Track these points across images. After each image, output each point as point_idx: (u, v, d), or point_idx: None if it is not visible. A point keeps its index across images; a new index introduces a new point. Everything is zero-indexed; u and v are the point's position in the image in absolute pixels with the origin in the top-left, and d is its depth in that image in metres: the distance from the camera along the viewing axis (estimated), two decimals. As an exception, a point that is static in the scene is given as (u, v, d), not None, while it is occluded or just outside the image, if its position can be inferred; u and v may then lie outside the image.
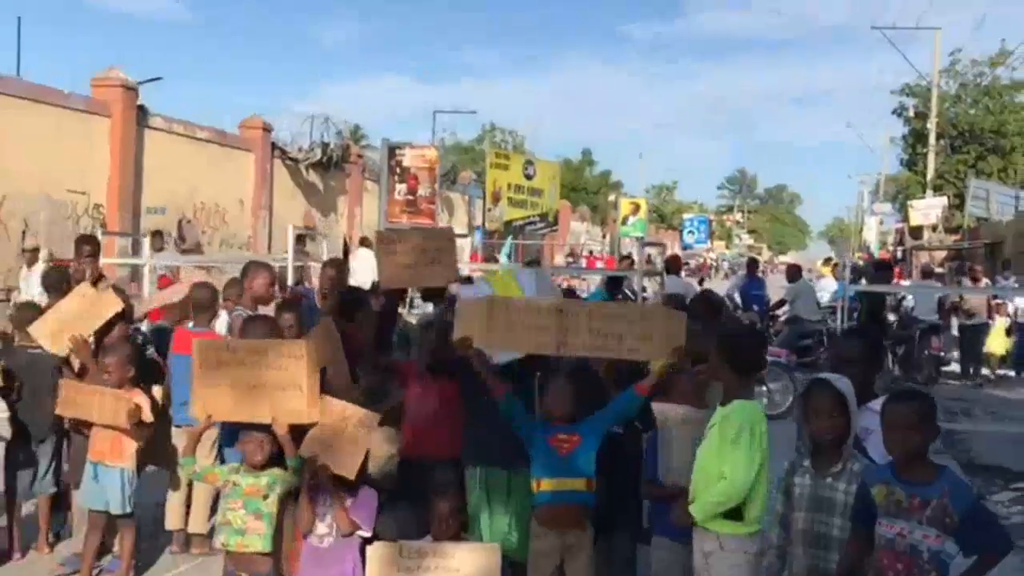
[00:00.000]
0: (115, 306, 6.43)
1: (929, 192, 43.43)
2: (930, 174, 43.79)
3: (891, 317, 16.55)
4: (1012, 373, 16.58)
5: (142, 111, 19.55)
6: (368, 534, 5.13)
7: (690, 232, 60.62)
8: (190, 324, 6.94)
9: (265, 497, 5.17)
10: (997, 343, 15.44)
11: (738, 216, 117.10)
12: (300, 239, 13.01)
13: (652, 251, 20.58)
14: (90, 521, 6.11)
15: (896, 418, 3.71)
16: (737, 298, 17.36)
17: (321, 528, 5.13)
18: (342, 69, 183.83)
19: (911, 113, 48.06)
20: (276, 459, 5.25)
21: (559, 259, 43.77)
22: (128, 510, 6.07)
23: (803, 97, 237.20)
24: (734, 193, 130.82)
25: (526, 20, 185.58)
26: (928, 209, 40.55)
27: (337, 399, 5.23)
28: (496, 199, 33.12)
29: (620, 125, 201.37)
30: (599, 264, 37.19)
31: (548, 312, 4.97)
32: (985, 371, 16.00)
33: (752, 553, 4.31)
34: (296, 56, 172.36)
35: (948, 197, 42.14)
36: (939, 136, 44.30)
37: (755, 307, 16.95)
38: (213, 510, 6.48)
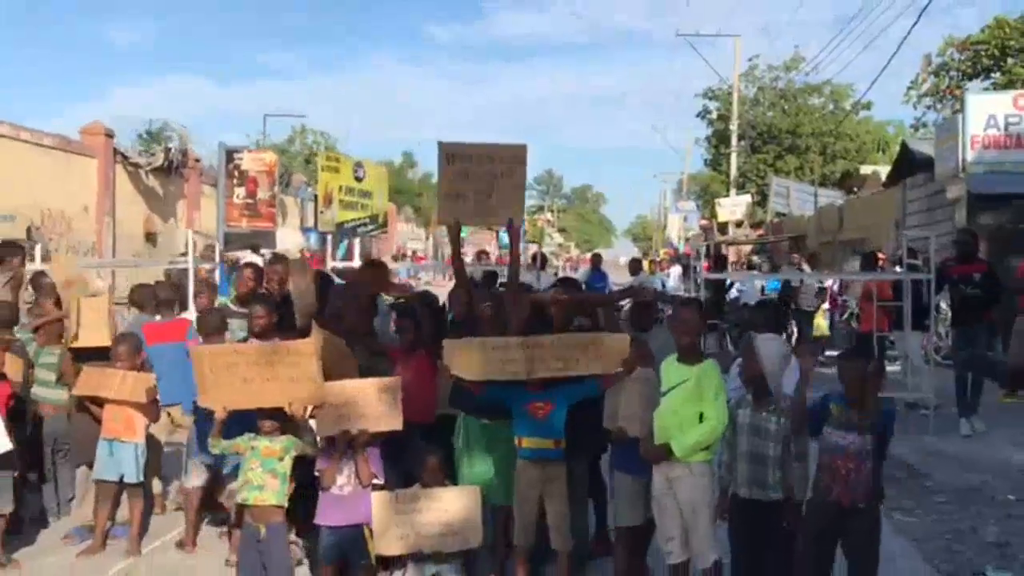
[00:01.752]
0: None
1: (732, 190, 46.39)
2: (733, 173, 46.73)
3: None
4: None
5: (-12, 118, 19.42)
6: (382, 482, 6.09)
7: (506, 232, 62.19)
8: (157, 317, 7.75)
9: (280, 459, 6.07)
10: (823, 324, 17.25)
11: (548, 216, 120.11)
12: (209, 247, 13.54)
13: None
14: (103, 493, 6.83)
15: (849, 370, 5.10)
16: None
17: (340, 479, 6.06)
18: (137, 72, 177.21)
19: (714, 116, 51.18)
20: (287, 428, 6.18)
21: (386, 260, 44.48)
22: (141, 479, 6.83)
23: (609, 100, 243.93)
24: (542, 193, 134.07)
25: (328, 20, 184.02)
26: (734, 206, 43.39)
27: (350, 380, 6.19)
28: (328, 201, 33.58)
29: (431, 126, 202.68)
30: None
31: (516, 348, 5.95)
32: (812, 350, 17.82)
33: (712, 472, 5.46)
34: (85, 58, 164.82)
35: (751, 194, 45.18)
36: (740, 137, 47.34)
37: (600, 298, 18.30)
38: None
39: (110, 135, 24.03)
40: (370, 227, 38.64)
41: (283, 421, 6.16)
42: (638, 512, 5.90)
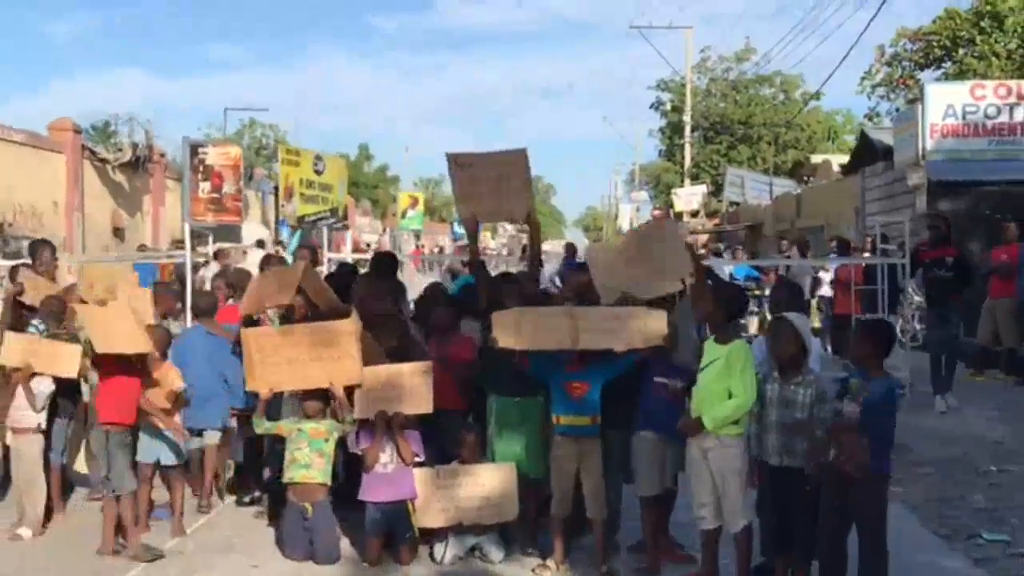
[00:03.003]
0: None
1: (687, 181, 47.03)
2: (687, 163, 47.37)
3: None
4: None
5: (-40, 115, 19.42)
6: (423, 459, 6.44)
7: (461, 225, 62.34)
8: (230, 300, 8.48)
9: (326, 440, 6.42)
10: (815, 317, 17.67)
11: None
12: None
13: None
14: (141, 474, 7.09)
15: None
16: (558, 281, 19.02)
17: (384, 458, 6.43)
18: (74, 65, 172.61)
19: (667, 107, 51.77)
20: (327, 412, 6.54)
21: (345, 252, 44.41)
22: (179, 461, 7.10)
23: (559, 90, 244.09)
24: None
25: (268, 12, 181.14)
26: (690, 196, 44.04)
27: (385, 364, 6.56)
28: (289, 195, 33.62)
29: (380, 118, 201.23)
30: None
31: (562, 316, 6.33)
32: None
33: (743, 446, 5.83)
34: (19, 51, 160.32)
35: (706, 184, 45.85)
36: (694, 128, 47.98)
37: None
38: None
39: (78, 131, 24.06)
40: (331, 220, 38.76)
41: (325, 404, 6.49)
42: (656, 482, 6.30)
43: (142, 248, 24.21)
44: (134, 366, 6.69)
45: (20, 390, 7.12)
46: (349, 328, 6.48)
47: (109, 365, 6.67)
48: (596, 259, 7.17)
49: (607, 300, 7.01)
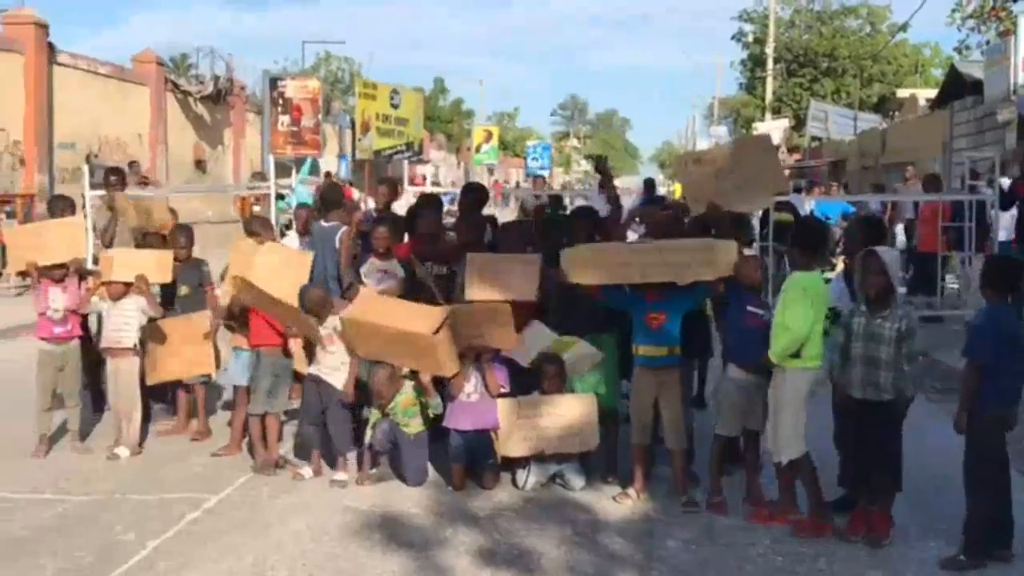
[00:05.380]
0: None
1: (768, 115, 46.21)
2: (768, 97, 46.51)
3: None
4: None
5: (51, 48, 19.79)
6: (507, 390, 6.55)
7: (534, 159, 62.20)
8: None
9: (414, 405, 6.73)
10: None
11: (574, 142, 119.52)
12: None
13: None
14: (239, 398, 7.43)
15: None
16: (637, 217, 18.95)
17: (468, 388, 6.55)
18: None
19: (749, 39, 50.74)
20: None
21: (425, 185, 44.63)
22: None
23: (635, 20, 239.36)
24: (567, 119, 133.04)
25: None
26: (771, 131, 43.29)
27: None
28: (365, 129, 33.77)
29: (455, 52, 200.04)
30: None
31: (629, 252, 6.45)
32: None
33: (808, 380, 5.81)
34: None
35: (788, 119, 45.02)
36: (776, 60, 47.03)
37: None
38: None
39: (161, 63, 24.41)
40: (407, 154, 38.89)
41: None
42: (734, 425, 6.29)
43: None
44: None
45: (113, 310, 7.38)
46: (438, 339, 6.44)
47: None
48: (686, 168, 7.20)
49: (695, 210, 7.08)
